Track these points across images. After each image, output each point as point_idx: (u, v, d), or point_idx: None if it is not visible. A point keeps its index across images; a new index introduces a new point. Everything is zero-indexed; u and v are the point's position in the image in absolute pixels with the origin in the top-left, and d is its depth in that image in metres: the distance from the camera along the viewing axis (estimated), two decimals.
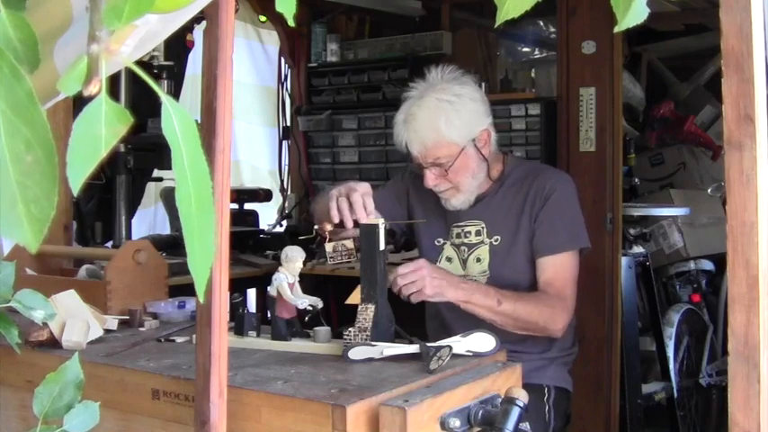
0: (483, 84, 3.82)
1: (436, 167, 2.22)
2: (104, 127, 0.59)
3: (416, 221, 2.38)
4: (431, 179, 2.24)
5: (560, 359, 2.32)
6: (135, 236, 3.62)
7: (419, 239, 2.45)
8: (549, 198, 2.24)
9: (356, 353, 1.64)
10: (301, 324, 1.85)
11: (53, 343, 1.77)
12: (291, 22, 0.65)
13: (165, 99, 0.61)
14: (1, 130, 0.58)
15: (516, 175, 2.32)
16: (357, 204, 1.97)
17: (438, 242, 2.38)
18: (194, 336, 1.31)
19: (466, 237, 2.33)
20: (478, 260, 2.31)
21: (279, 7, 0.63)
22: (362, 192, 2.00)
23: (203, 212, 0.63)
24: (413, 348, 1.64)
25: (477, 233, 2.31)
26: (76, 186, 0.58)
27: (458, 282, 2.11)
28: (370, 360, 1.64)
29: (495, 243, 2.29)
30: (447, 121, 2.18)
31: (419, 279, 2.02)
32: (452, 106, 2.20)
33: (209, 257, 0.64)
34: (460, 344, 1.67)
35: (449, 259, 2.36)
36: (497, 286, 2.23)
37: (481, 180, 2.29)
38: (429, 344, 1.63)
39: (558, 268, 2.21)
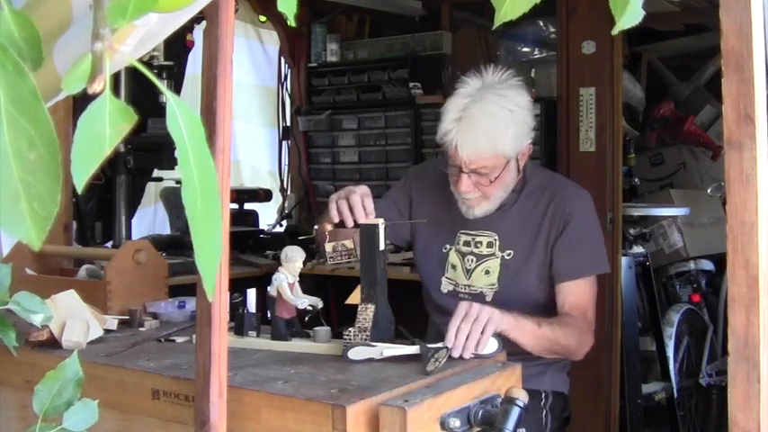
0: None
1: (475, 175, 2.13)
2: (108, 125, 0.59)
3: (417, 221, 2.33)
4: (466, 185, 2.13)
5: (558, 364, 2.29)
6: (135, 236, 3.62)
7: (420, 245, 2.37)
8: (568, 223, 2.18)
9: (356, 353, 1.64)
10: (301, 324, 1.85)
11: (53, 343, 1.77)
12: (292, 22, 0.65)
13: (171, 98, 0.62)
14: (5, 128, 0.58)
15: (533, 186, 2.25)
16: (357, 206, 1.97)
17: (445, 249, 2.30)
18: (194, 336, 1.31)
19: (476, 247, 2.25)
20: (487, 272, 2.23)
21: (281, 7, 0.63)
22: (361, 193, 1.99)
23: (210, 210, 0.63)
24: (412, 349, 1.64)
25: (489, 245, 2.24)
26: (81, 184, 0.58)
27: (501, 311, 1.96)
28: (370, 360, 1.64)
29: (507, 257, 2.22)
30: (505, 131, 2.09)
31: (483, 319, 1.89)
32: (513, 116, 2.10)
33: (216, 255, 0.64)
34: None
35: (453, 266, 2.29)
36: (504, 300, 2.16)
37: (509, 192, 2.22)
38: (429, 345, 1.63)
39: (583, 292, 2.18)
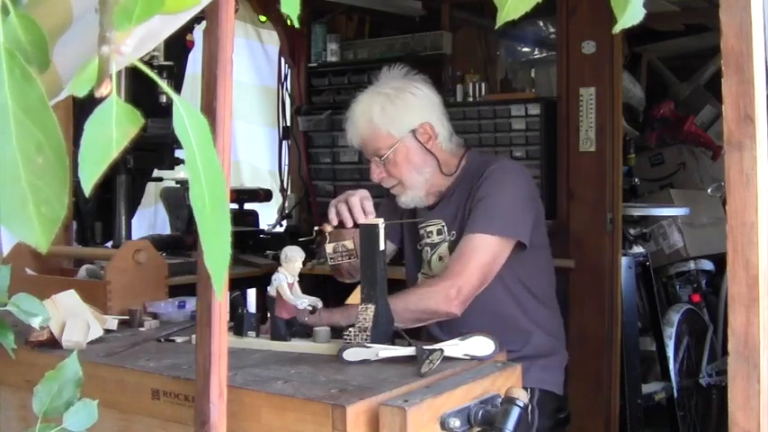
0: (483, 84, 3.83)
1: (380, 161, 2.24)
2: (115, 128, 0.59)
3: (413, 221, 2.38)
4: (375, 173, 2.26)
5: (544, 359, 2.30)
6: (135, 236, 3.62)
7: (405, 247, 2.47)
8: (483, 183, 2.21)
9: (351, 354, 1.64)
10: (301, 324, 1.85)
11: (53, 343, 1.77)
12: (296, 23, 0.65)
13: (176, 99, 0.62)
14: (12, 132, 0.58)
15: (472, 171, 2.30)
16: (356, 207, 2.01)
17: (419, 246, 2.39)
18: (194, 336, 1.31)
19: (429, 236, 2.34)
20: (440, 258, 2.31)
21: (284, 8, 0.63)
22: (361, 196, 2.05)
23: (218, 210, 0.64)
24: (408, 351, 1.64)
25: (439, 232, 2.32)
26: (88, 187, 0.58)
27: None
28: (365, 361, 1.64)
29: (452, 239, 2.28)
30: (381, 111, 2.21)
31: None
32: (387, 98, 2.22)
33: (225, 255, 0.65)
34: (458, 347, 1.66)
35: (425, 261, 2.38)
36: None
37: (429, 176, 2.27)
38: (424, 346, 1.63)
39: (467, 248, 2.13)
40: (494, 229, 2.15)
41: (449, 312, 2.09)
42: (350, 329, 1.72)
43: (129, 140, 0.61)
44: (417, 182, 2.26)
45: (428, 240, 2.34)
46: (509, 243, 2.18)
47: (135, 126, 0.60)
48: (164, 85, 0.62)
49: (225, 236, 0.64)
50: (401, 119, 2.22)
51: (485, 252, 2.13)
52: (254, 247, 3.96)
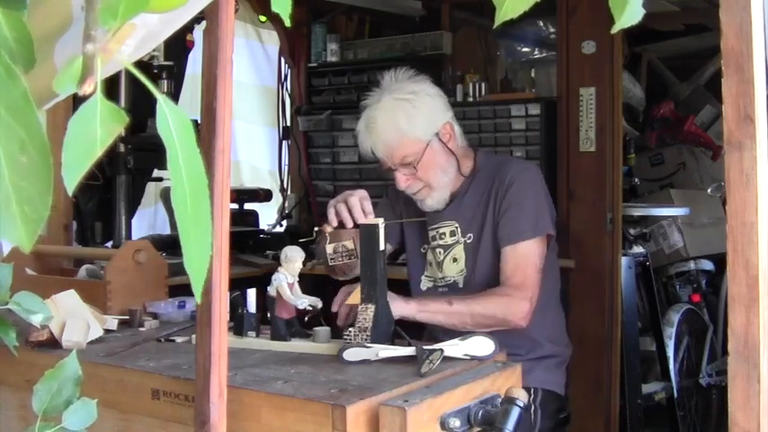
0: (483, 84, 3.83)
1: (405, 167, 2.23)
2: (99, 126, 0.59)
3: (414, 220, 2.37)
4: (402, 180, 2.24)
5: (548, 360, 2.31)
6: (135, 236, 3.62)
7: (407, 248, 2.46)
8: (509, 189, 2.23)
9: (351, 354, 1.64)
10: (301, 324, 1.85)
11: (53, 343, 1.77)
12: (288, 22, 0.64)
13: (160, 97, 0.61)
14: None
15: (485, 171, 2.31)
16: (355, 207, 2.01)
17: (423, 249, 2.39)
18: (194, 336, 1.31)
19: (441, 238, 2.33)
20: (455, 260, 2.31)
21: (274, 7, 0.63)
22: (360, 196, 2.04)
23: (199, 211, 0.63)
24: (408, 351, 1.64)
25: (452, 233, 2.32)
26: (72, 186, 0.57)
27: (401, 297, 2.06)
28: (365, 361, 1.64)
29: (468, 241, 2.29)
30: (407, 118, 2.19)
31: None
32: (410, 103, 2.21)
33: (205, 257, 0.64)
34: (458, 347, 1.66)
35: (430, 264, 2.37)
36: (474, 284, 2.25)
37: (452, 175, 2.29)
38: (424, 346, 1.63)
39: (520, 258, 2.18)
40: (533, 232, 2.20)
41: (518, 325, 2.12)
42: (350, 329, 1.72)
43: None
44: (443, 183, 2.27)
45: (440, 242, 2.33)
46: (544, 239, 2.24)
47: (120, 124, 0.59)
48: (149, 83, 0.62)
49: (206, 239, 0.63)
50: (426, 122, 2.22)
51: (535, 257, 2.19)
52: (254, 247, 3.96)
